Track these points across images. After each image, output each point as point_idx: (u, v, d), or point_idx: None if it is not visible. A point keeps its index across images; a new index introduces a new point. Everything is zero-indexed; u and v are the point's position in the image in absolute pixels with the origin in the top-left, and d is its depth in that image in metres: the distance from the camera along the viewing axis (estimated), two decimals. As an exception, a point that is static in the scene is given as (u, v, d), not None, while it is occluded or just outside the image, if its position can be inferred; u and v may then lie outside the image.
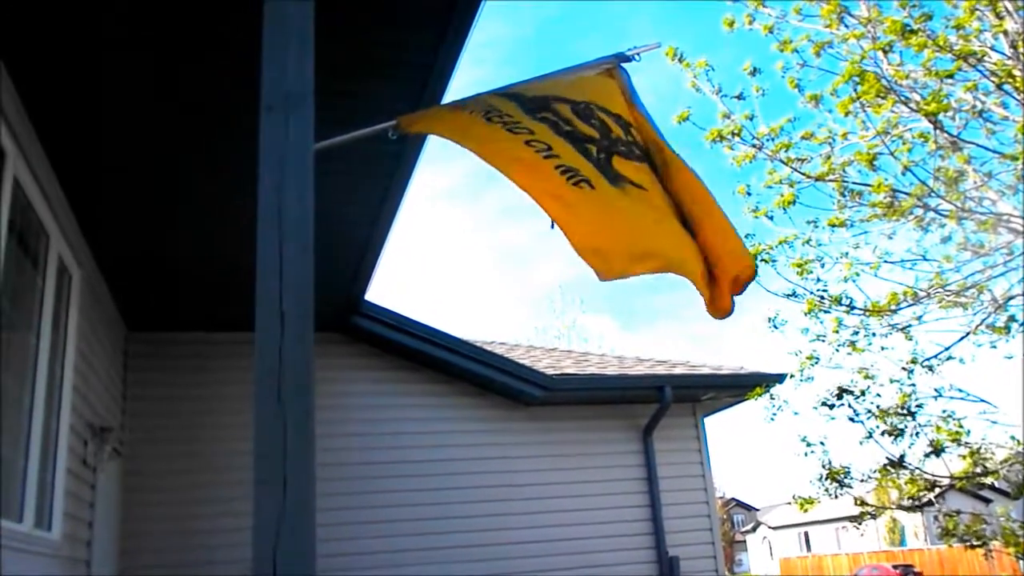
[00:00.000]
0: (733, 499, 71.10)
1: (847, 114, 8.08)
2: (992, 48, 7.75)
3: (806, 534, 57.40)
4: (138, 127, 4.72)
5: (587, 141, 3.16)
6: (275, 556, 2.16)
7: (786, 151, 8.44)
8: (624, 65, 3.57)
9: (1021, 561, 8.53)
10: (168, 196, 5.61)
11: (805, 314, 8.47)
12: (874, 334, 8.41)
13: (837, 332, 8.45)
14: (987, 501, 24.85)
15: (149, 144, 4.92)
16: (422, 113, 3.52)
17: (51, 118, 4.45)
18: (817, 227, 8.67)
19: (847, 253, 8.63)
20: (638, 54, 3.57)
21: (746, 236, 8.83)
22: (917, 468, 7.95)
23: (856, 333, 8.43)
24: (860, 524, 9.10)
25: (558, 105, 3.25)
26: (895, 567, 40.33)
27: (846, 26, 8.35)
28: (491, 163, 3.10)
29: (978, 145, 7.85)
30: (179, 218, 5.96)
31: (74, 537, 5.75)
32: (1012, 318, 8.18)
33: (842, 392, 8.26)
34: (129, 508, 7.57)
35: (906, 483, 8.06)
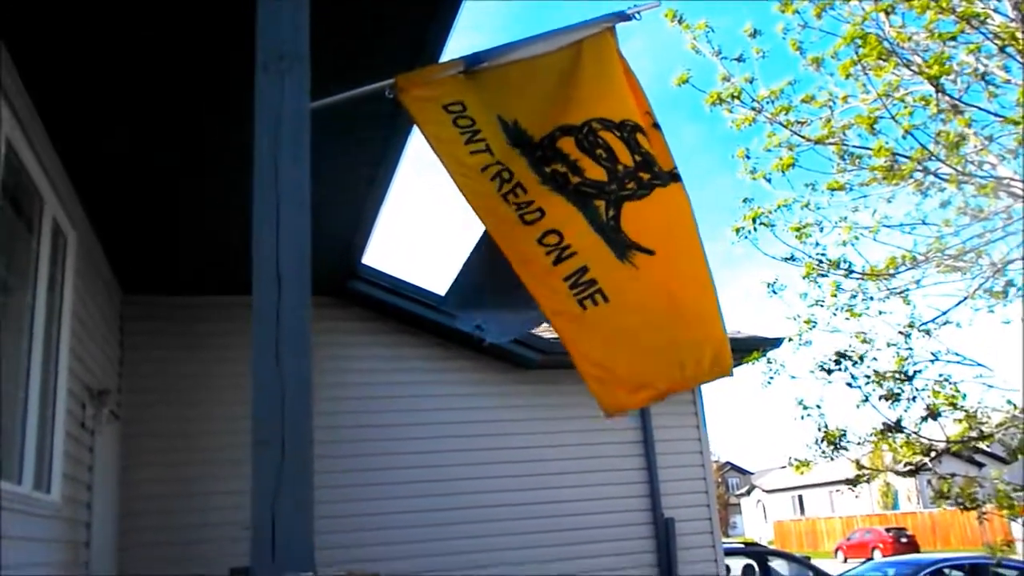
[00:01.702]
0: (728, 463, 71.65)
1: (848, 77, 8.01)
2: (995, 10, 7.66)
3: (800, 498, 57.96)
4: (133, 87, 4.66)
5: (596, 195, 3.24)
6: (274, 516, 2.17)
7: (786, 114, 8.37)
8: (624, 25, 3.54)
9: (1013, 523, 8.60)
10: (163, 158, 5.56)
11: (803, 278, 8.46)
12: (872, 298, 8.41)
13: (835, 296, 8.45)
14: (980, 465, 25.04)
15: (144, 105, 4.86)
16: (420, 77, 3.46)
17: (44, 79, 4.39)
18: (816, 191, 8.64)
19: (846, 217, 8.61)
20: (638, 13, 3.54)
21: (744, 200, 8.81)
22: (913, 432, 7.99)
23: (854, 297, 8.43)
24: (855, 487, 9.16)
25: (562, 142, 3.30)
26: (888, 530, 40.75)
27: (848, -13, 8.25)
28: (503, 250, 3.22)
29: (980, 109, 7.78)
30: (174, 180, 5.91)
31: (73, 499, 5.77)
32: (1010, 282, 8.18)
33: (840, 357, 8.27)
34: (128, 470, 7.60)
35: (902, 446, 8.10)
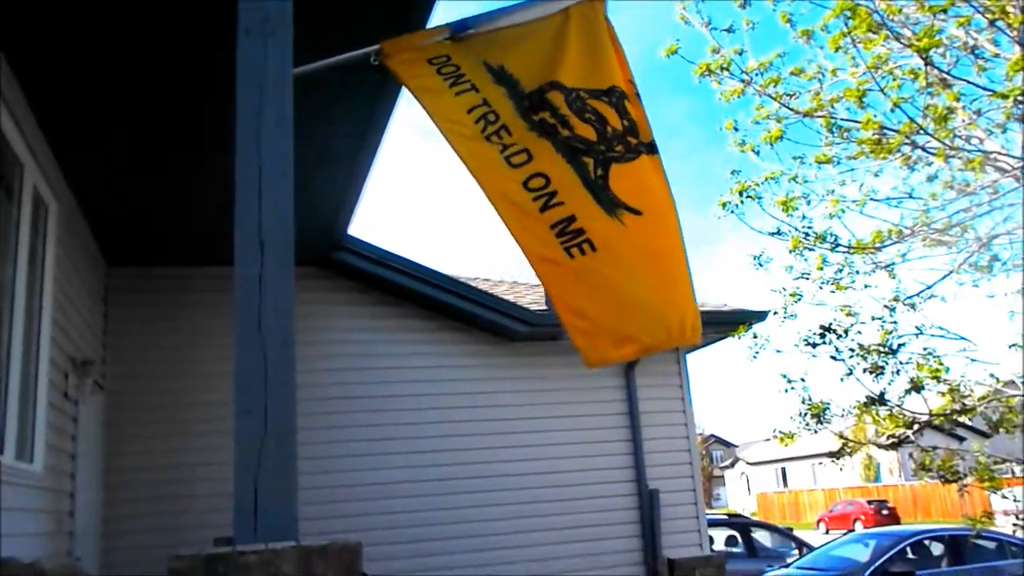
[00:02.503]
0: (712, 435, 72.19)
1: (837, 50, 7.95)
2: (986, -17, 7.62)
3: (783, 470, 58.50)
4: (113, 56, 4.58)
5: (585, 151, 3.22)
6: (256, 487, 2.15)
7: (775, 86, 8.32)
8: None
9: (993, 495, 8.68)
10: (145, 127, 5.48)
11: (790, 251, 8.44)
12: (858, 272, 8.40)
13: (821, 270, 8.44)
14: (961, 439, 25.30)
15: (125, 73, 4.78)
16: (406, 43, 3.41)
17: (23, 46, 4.31)
18: (804, 163, 8.60)
19: (833, 190, 8.58)
20: (627, -19, 3.49)
21: (732, 172, 8.77)
22: (896, 405, 8.03)
23: (840, 271, 8.42)
24: (839, 459, 9.23)
25: (552, 95, 3.27)
26: (870, 503, 41.21)
27: (839, -42, 8.17)
28: (486, 194, 3.16)
29: (968, 82, 7.75)
30: (157, 150, 5.83)
31: (57, 469, 5.75)
32: (995, 257, 8.20)
33: (825, 330, 8.28)
34: (112, 441, 7.58)
35: (885, 419, 8.15)
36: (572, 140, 3.22)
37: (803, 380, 8.57)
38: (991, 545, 11.88)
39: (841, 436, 8.80)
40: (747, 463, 63.58)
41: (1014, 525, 8.85)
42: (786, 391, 8.62)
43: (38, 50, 4.44)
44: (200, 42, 4.44)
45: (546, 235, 3.14)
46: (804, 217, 8.41)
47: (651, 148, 3.31)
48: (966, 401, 7.94)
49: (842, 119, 8.18)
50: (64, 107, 5.04)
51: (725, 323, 9.65)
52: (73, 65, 4.66)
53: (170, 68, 4.76)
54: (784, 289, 8.68)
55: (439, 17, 4.40)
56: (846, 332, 8.21)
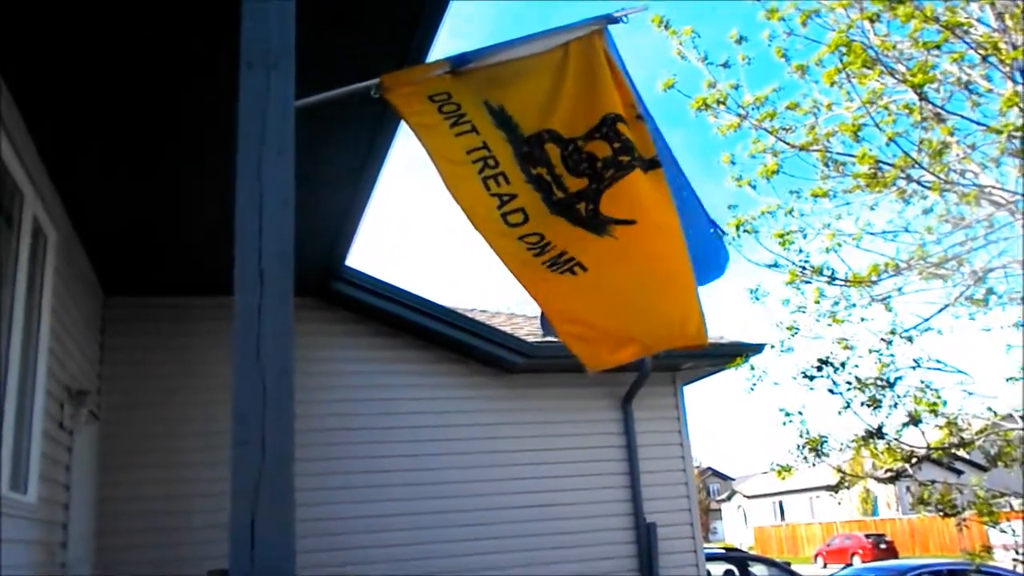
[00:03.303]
0: (709, 468, 71.85)
1: (832, 84, 8.03)
2: (978, 20, 7.71)
3: (780, 503, 58.18)
4: (114, 85, 4.61)
5: (577, 200, 3.26)
6: (253, 518, 2.14)
7: (771, 120, 8.39)
8: (611, 28, 3.54)
9: (991, 529, 8.64)
10: (145, 157, 5.51)
11: (787, 284, 8.47)
12: (854, 305, 8.43)
13: (818, 303, 8.47)
14: (959, 472, 25.22)
15: (125, 103, 4.81)
16: (406, 76, 3.45)
17: (25, 77, 4.35)
18: (800, 197, 8.66)
19: (829, 224, 8.63)
20: (626, 15, 3.55)
21: (729, 206, 8.83)
22: (894, 438, 8.02)
23: (837, 304, 8.45)
24: (837, 492, 9.19)
25: (549, 147, 3.31)
26: (867, 536, 40.96)
27: (834, -5, 8.28)
28: (481, 234, 3.22)
29: (962, 117, 7.83)
30: (157, 180, 5.85)
31: (51, 500, 5.71)
32: (991, 290, 8.23)
33: (822, 363, 8.29)
34: (107, 471, 7.53)
35: (883, 453, 8.13)
36: (567, 199, 3.26)
37: (801, 413, 8.57)
38: (990, 580, 11.80)
39: (839, 470, 8.78)
40: (744, 496, 63.22)
41: (1014, 560, 8.79)
42: (784, 424, 8.61)
43: (39, 78, 4.48)
44: (201, 72, 4.48)
45: (536, 264, 3.21)
46: (801, 251, 8.45)
47: (652, 164, 3.32)
48: (964, 435, 7.93)
49: (837, 153, 8.25)
50: (65, 135, 5.07)
51: (722, 355, 9.66)
52: (75, 93, 4.69)
53: (172, 96, 4.80)
54: (781, 323, 8.70)
55: (440, 47, 4.43)
56: (843, 365, 8.22)
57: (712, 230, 3.56)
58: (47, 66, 4.37)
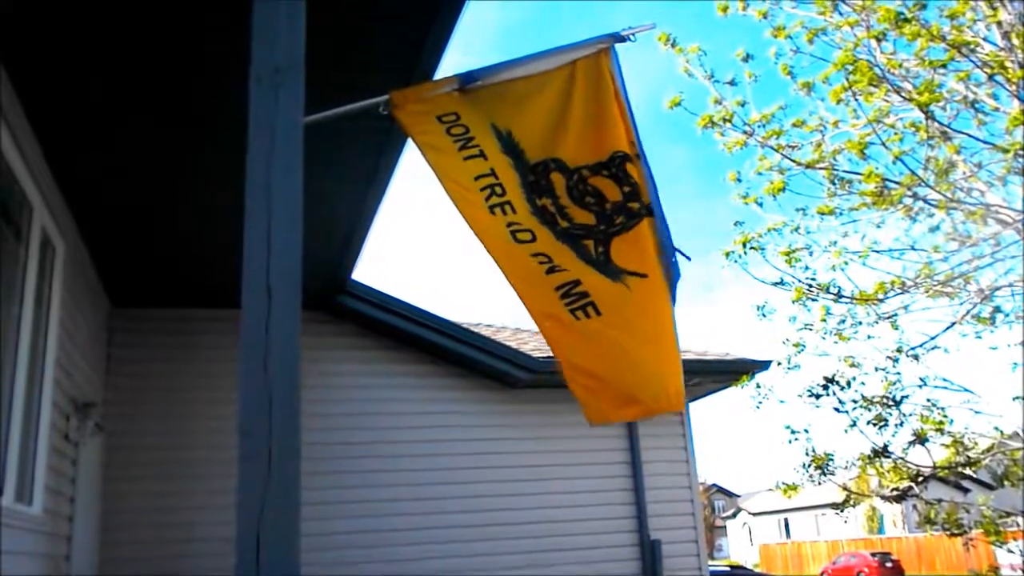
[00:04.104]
0: (714, 485, 71.55)
1: (839, 102, 8.06)
2: (985, 39, 7.73)
3: (786, 521, 57.87)
4: (122, 97, 4.65)
5: (584, 236, 3.26)
6: (259, 532, 2.14)
7: (777, 138, 8.41)
8: (617, 46, 3.55)
9: (998, 549, 8.60)
10: (154, 170, 5.54)
11: (793, 302, 8.47)
12: (861, 323, 8.42)
13: (824, 321, 8.46)
14: (966, 491, 25.09)
15: (134, 115, 4.85)
16: (414, 94, 3.46)
17: (33, 86, 4.38)
18: (806, 215, 8.67)
19: (835, 242, 8.63)
20: (633, 34, 3.55)
21: (736, 223, 8.84)
22: (900, 457, 7.99)
23: (843, 322, 8.44)
24: (843, 511, 9.16)
25: (554, 176, 3.31)
26: (873, 555, 40.72)
27: (840, 13, 8.31)
28: (490, 254, 3.22)
29: (969, 135, 7.84)
30: (165, 192, 5.89)
31: (56, 512, 5.71)
32: (997, 309, 8.21)
33: (828, 381, 8.28)
34: (111, 483, 7.53)
35: (889, 471, 8.10)
36: (571, 229, 3.26)
37: (806, 431, 8.55)
38: (997, 600, 11.72)
39: (845, 488, 8.74)
40: (749, 513, 62.92)
41: (1020, 581, 8.73)
42: (790, 442, 8.59)
43: (48, 86, 4.51)
44: (213, 87, 4.52)
45: (551, 295, 3.18)
46: (807, 268, 8.46)
47: (649, 210, 3.32)
48: (970, 454, 7.90)
49: (844, 171, 8.26)
50: (74, 144, 5.10)
51: (728, 372, 9.64)
52: (83, 102, 4.73)
53: (179, 105, 4.83)
54: (788, 340, 8.70)
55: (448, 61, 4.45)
56: (849, 383, 8.21)
57: (675, 263, 3.51)
58: (56, 69, 4.40)
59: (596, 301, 3.16)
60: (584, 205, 3.29)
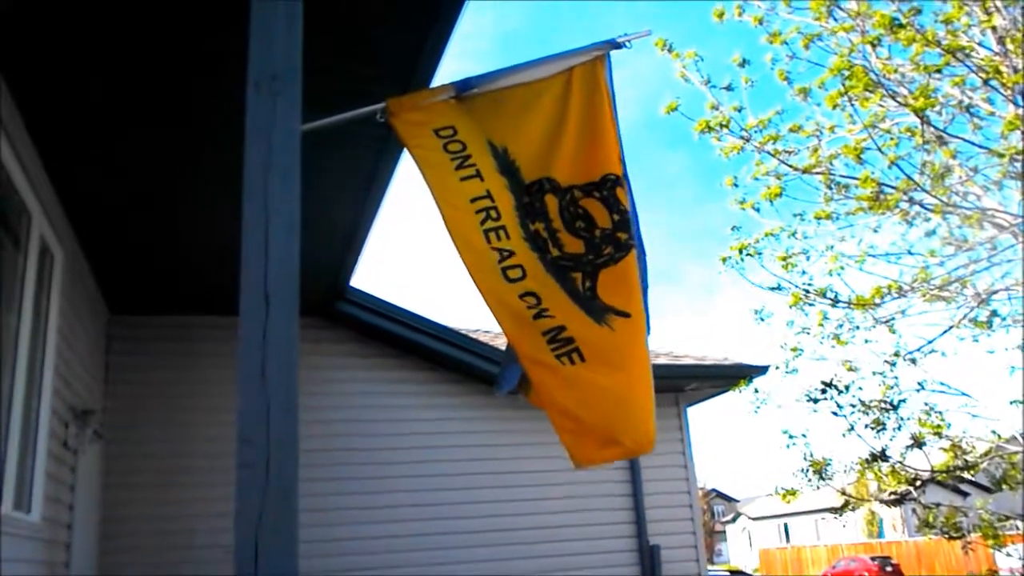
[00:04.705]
0: (713, 490, 71.50)
1: (835, 107, 8.08)
2: (980, 44, 7.76)
3: (786, 525, 57.85)
4: (121, 105, 4.66)
5: (573, 267, 3.28)
6: (257, 540, 2.15)
7: (774, 143, 8.43)
8: (613, 53, 3.57)
9: (997, 552, 8.61)
10: (152, 177, 5.55)
11: (790, 307, 8.49)
12: (858, 327, 8.44)
13: (822, 325, 8.48)
14: (964, 495, 25.10)
15: (133, 123, 4.86)
16: (411, 101, 3.47)
17: (33, 95, 4.40)
18: (803, 220, 8.69)
19: (832, 246, 8.65)
20: (629, 41, 3.57)
21: (733, 228, 8.86)
22: (898, 461, 8.00)
23: (840, 326, 8.46)
24: (842, 515, 9.16)
25: (548, 198, 3.32)
26: (873, 559, 40.70)
27: (835, 19, 8.34)
28: (481, 293, 3.21)
29: (964, 140, 7.86)
30: (163, 199, 5.90)
31: (55, 520, 5.71)
32: (994, 313, 8.23)
33: (826, 386, 8.29)
34: (110, 491, 7.53)
35: (887, 475, 8.11)
36: (561, 259, 3.26)
37: (804, 436, 8.57)
38: (996, 604, 11.70)
39: (843, 492, 8.75)
40: (749, 518, 62.89)
41: (1019, 584, 8.74)
42: (788, 447, 8.60)
43: (46, 95, 4.53)
44: (211, 95, 4.53)
45: (538, 341, 3.20)
46: (804, 272, 8.48)
47: (633, 243, 3.33)
48: (968, 457, 7.91)
49: (840, 175, 8.28)
50: (73, 153, 5.11)
51: (726, 377, 9.65)
52: (81, 110, 4.74)
53: (178, 112, 4.85)
54: (785, 344, 8.71)
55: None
56: (847, 388, 8.22)
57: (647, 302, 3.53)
58: (54, 77, 4.41)
59: (581, 347, 3.19)
60: (575, 231, 3.30)
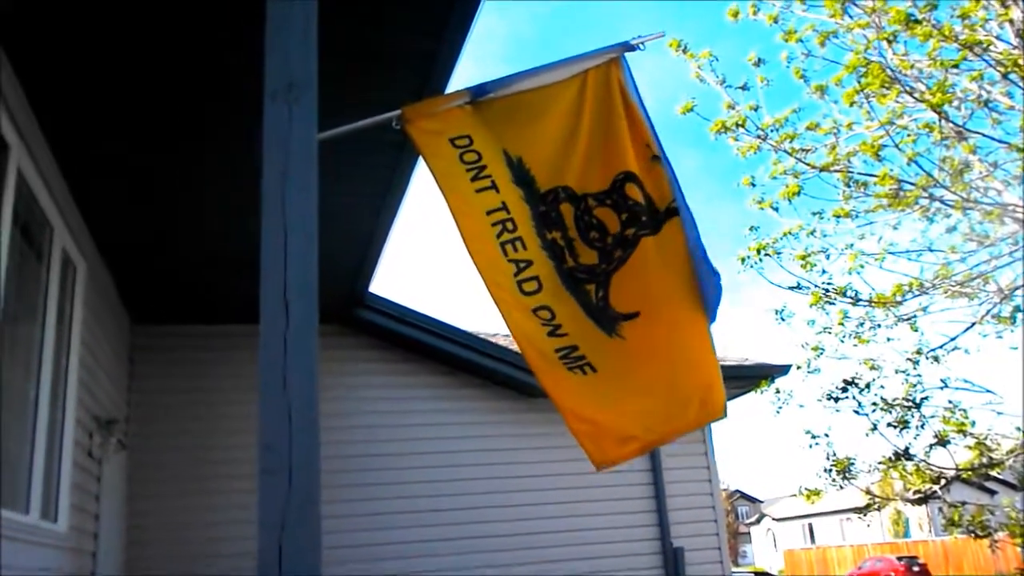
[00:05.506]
0: (737, 491, 71.08)
1: (852, 104, 8.05)
2: (998, 37, 7.70)
3: (810, 526, 57.43)
4: (142, 117, 4.71)
5: (588, 279, 3.31)
6: (281, 547, 2.16)
7: (791, 142, 8.40)
8: (628, 55, 3.57)
9: (1025, 551, 8.53)
10: (172, 187, 5.60)
11: (810, 306, 8.44)
12: (879, 325, 8.38)
13: (843, 324, 8.43)
14: (992, 492, 24.83)
15: (153, 134, 4.90)
16: (426, 108, 3.48)
17: (54, 108, 4.44)
18: (822, 218, 8.64)
19: (852, 244, 8.61)
20: (643, 43, 3.57)
21: (751, 228, 8.82)
22: (923, 460, 7.94)
23: (861, 324, 8.40)
24: (866, 515, 9.10)
25: (563, 207, 3.35)
26: (899, 559, 40.32)
27: (851, 16, 8.30)
28: (496, 305, 3.26)
29: (983, 135, 7.80)
30: (183, 209, 5.95)
31: (80, 529, 5.76)
32: (1017, 308, 8.16)
33: (847, 384, 8.24)
34: (135, 500, 7.58)
35: (912, 474, 8.05)
36: (576, 271, 3.30)
37: (827, 436, 8.51)
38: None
39: (868, 492, 8.69)
40: (773, 519, 62.47)
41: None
42: (811, 447, 8.55)
43: (72, 119, 4.57)
44: (229, 105, 4.56)
45: (551, 355, 3.26)
46: (824, 271, 8.43)
47: (668, 213, 3.33)
48: (993, 455, 7.84)
49: (859, 173, 8.24)
50: (93, 166, 5.16)
51: (747, 377, 9.60)
52: (104, 131, 4.79)
53: (197, 122, 4.88)
54: (807, 343, 8.67)
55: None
56: (868, 386, 8.17)
57: (714, 276, 3.51)
58: (73, 90, 4.46)
59: (592, 361, 3.25)
60: (589, 242, 3.33)
